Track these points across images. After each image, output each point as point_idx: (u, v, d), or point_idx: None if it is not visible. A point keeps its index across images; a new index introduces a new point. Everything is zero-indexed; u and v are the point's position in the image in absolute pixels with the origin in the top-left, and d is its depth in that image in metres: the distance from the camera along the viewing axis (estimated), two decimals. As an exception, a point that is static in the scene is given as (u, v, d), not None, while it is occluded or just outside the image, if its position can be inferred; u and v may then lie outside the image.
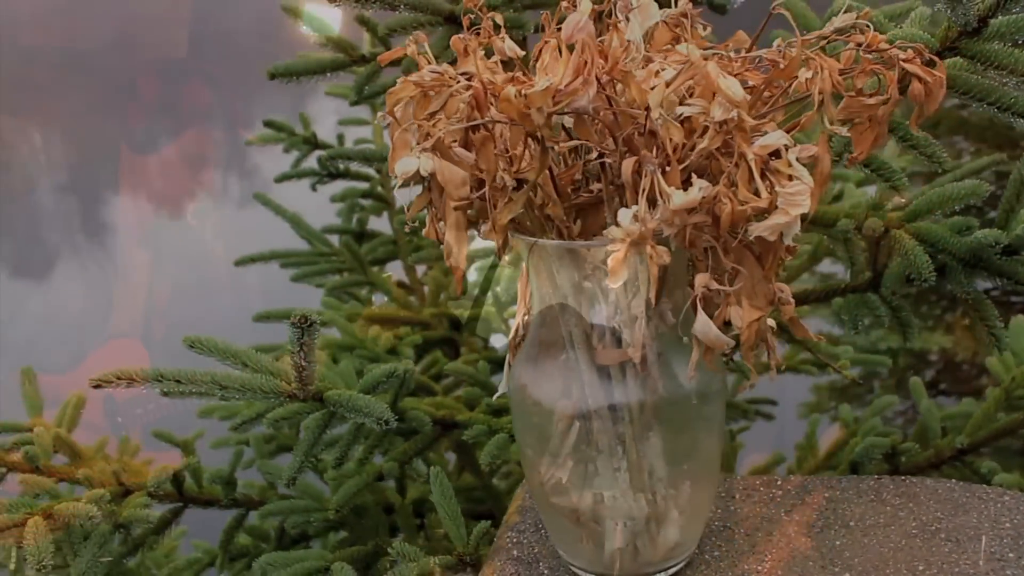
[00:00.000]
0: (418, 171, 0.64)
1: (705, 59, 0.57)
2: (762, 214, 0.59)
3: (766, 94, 0.64)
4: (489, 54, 0.69)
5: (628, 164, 0.58)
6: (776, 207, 0.57)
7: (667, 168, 0.58)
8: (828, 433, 1.43)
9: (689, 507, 0.74)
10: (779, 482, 0.86)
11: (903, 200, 0.89)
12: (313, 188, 1.51)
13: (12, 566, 1.20)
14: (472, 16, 0.70)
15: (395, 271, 1.55)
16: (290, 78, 1.06)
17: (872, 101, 0.63)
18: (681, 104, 0.58)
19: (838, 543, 0.77)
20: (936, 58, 0.63)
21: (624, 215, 0.58)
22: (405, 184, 0.66)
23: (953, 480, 0.84)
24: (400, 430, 1.11)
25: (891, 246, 0.91)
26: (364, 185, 1.54)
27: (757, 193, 0.57)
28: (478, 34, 0.69)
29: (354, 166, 1.45)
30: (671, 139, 0.60)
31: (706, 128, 0.58)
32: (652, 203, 0.59)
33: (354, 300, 1.50)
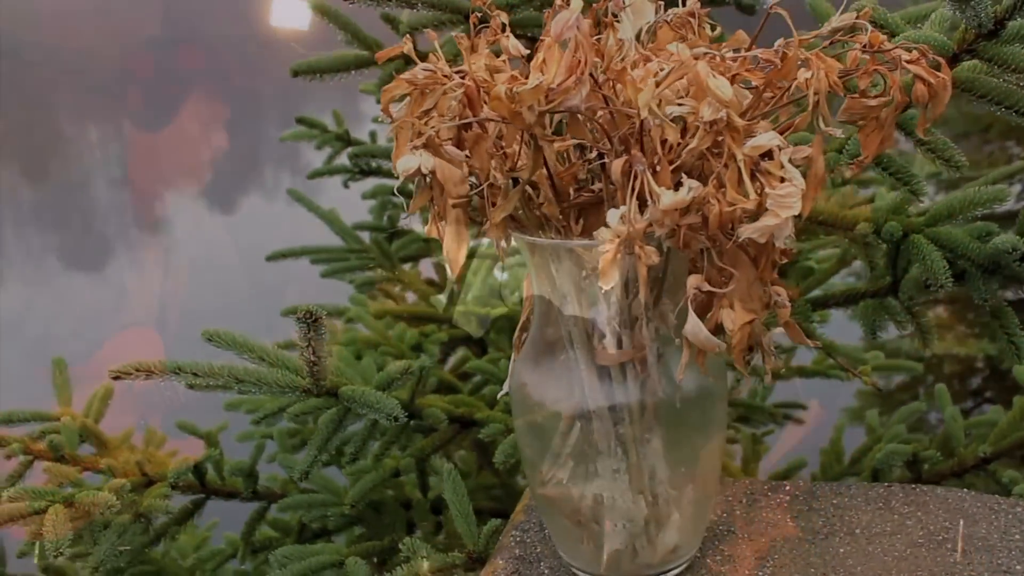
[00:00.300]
0: (419, 168, 0.65)
1: (696, 59, 0.57)
2: (755, 216, 0.58)
3: (767, 94, 0.64)
4: (499, 53, 0.69)
5: (617, 164, 0.58)
6: (766, 209, 0.56)
7: (658, 168, 0.58)
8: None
9: (689, 510, 0.73)
10: (787, 487, 0.85)
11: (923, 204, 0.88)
12: (345, 185, 1.52)
13: (36, 559, 1.22)
14: (480, 14, 0.70)
15: (426, 269, 1.56)
16: (313, 75, 1.07)
17: (874, 102, 0.62)
18: (672, 104, 0.57)
19: (842, 550, 0.76)
20: (941, 59, 0.62)
21: (612, 216, 0.57)
22: (408, 181, 0.66)
23: (965, 490, 0.82)
24: (418, 427, 1.12)
25: (910, 251, 0.90)
26: (396, 182, 1.54)
27: (747, 195, 0.57)
28: (482, 33, 0.69)
29: (385, 164, 1.45)
30: (665, 138, 0.59)
31: (698, 128, 0.57)
32: (645, 204, 0.59)
33: (385, 297, 1.51)
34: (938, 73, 0.61)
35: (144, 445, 1.22)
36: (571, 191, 0.69)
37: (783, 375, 1.46)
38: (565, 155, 0.70)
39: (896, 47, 0.61)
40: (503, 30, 0.69)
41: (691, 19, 0.70)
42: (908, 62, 0.61)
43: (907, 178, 0.87)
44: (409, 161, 0.64)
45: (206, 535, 1.54)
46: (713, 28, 0.72)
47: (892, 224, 0.90)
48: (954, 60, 0.79)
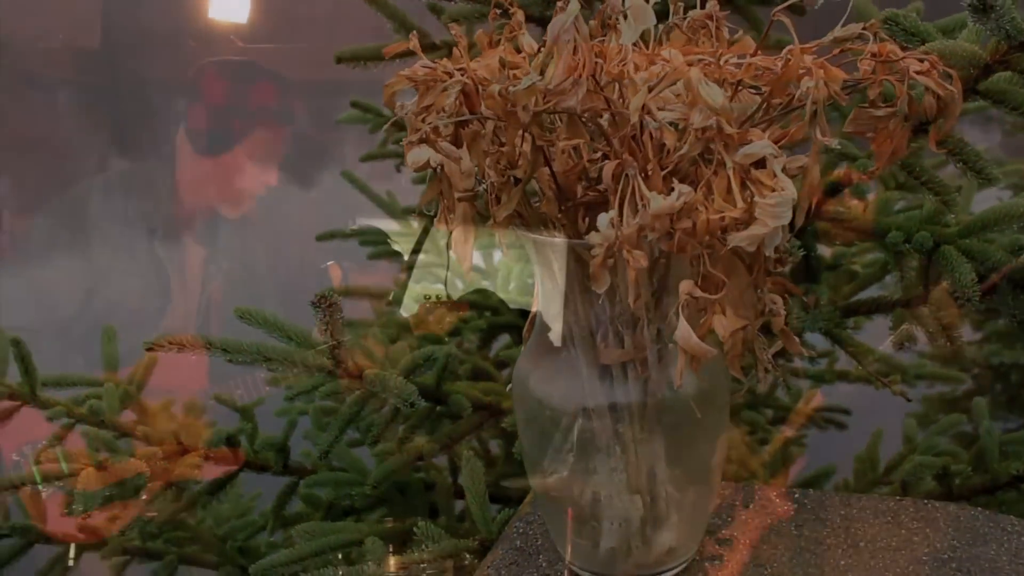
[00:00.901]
0: (428, 161, 0.65)
1: (690, 65, 0.57)
2: (747, 223, 0.58)
3: (775, 100, 0.63)
4: (519, 49, 0.70)
5: (609, 167, 0.58)
6: (755, 217, 0.56)
7: (650, 173, 0.58)
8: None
9: (687, 512, 0.73)
10: (797, 495, 0.84)
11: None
12: (397, 169, 1.54)
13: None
14: (500, 10, 0.71)
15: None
16: (357, 63, 1.08)
17: (881, 113, 0.61)
18: (663, 109, 0.57)
19: (843, 563, 0.75)
20: (952, 71, 0.60)
21: (602, 220, 0.58)
22: (419, 173, 0.67)
23: (979, 509, 0.81)
24: (447, 413, 1.13)
25: (940, 261, 0.88)
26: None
27: (736, 203, 0.56)
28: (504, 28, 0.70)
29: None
30: (663, 143, 0.59)
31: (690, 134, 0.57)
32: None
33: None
34: (948, 86, 0.60)
35: (183, 415, 1.25)
36: (579, 189, 0.69)
37: (826, 379, 1.44)
38: (577, 151, 0.70)
39: (906, 57, 0.60)
40: (520, 27, 0.69)
41: (708, 22, 0.70)
42: (918, 73, 0.60)
43: (938, 188, 0.85)
44: (419, 154, 0.65)
45: (250, 505, 1.57)
46: (741, 30, 0.72)
47: (923, 234, 0.89)
48: (986, 71, 0.77)
